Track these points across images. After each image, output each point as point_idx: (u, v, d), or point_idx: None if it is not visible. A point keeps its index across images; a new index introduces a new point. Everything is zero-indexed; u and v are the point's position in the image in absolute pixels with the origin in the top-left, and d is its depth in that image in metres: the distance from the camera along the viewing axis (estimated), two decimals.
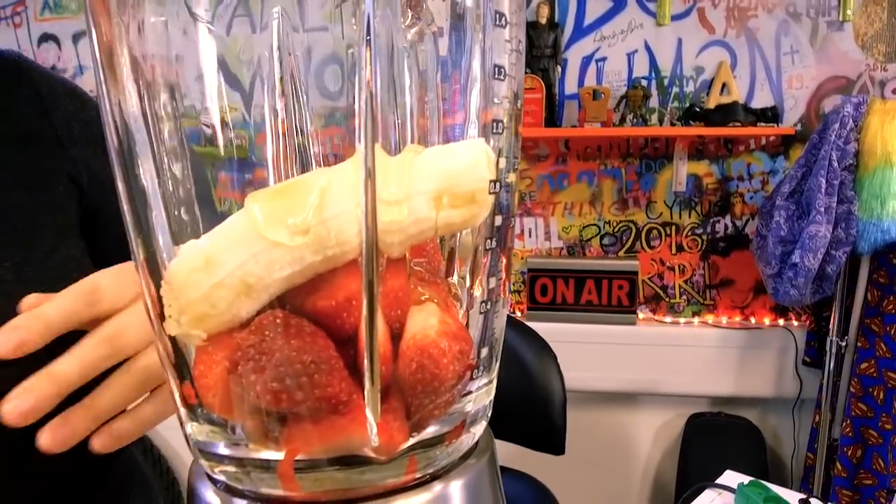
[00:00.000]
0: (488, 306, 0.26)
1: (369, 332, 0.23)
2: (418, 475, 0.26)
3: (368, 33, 0.22)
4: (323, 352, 0.24)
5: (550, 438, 1.46)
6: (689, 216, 1.95)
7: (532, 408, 1.47)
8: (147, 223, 0.25)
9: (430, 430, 0.26)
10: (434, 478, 0.26)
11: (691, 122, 1.79)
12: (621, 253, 2.01)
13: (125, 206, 0.25)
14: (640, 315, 2.00)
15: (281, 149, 0.30)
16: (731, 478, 0.99)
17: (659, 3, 1.83)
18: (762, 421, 1.93)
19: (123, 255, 0.29)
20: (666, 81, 1.88)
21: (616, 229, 1.99)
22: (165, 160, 0.26)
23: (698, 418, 1.95)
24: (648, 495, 2.08)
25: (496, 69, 0.23)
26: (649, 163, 1.94)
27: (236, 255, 0.24)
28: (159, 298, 0.25)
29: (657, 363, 1.92)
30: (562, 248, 2.02)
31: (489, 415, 0.29)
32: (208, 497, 0.26)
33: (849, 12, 1.78)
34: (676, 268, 1.99)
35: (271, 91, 0.29)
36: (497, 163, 0.25)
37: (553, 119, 1.85)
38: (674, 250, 1.98)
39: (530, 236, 2.02)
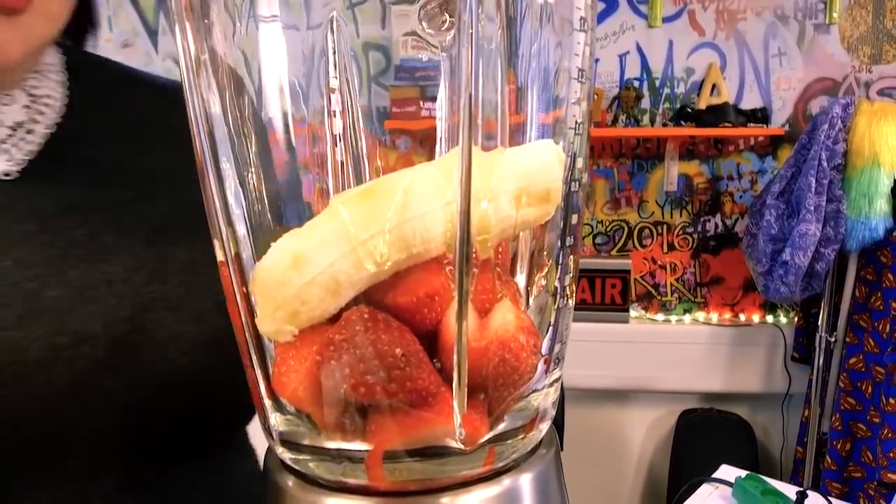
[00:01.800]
0: (563, 303, 0.27)
1: (459, 327, 0.24)
2: (495, 466, 0.27)
3: (464, 38, 0.22)
4: (412, 345, 0.24)
5: None
6: (681, 215, 1.98)
7: None
8: (231, 223, 0.26)
9: (506, 424, 0.27)
10: (507, 470, 0.27)
11: (682, 122, 1.82)
12: (614, 252, 2.03)
13: (214, 205, 0.26)
14: (633, 313, 2.03)
15: (344, 151, 0.31)
16: (727, 472, 1.01)
17: (650, 6, 1.86)
18: (752, 416, 1.97)
19: None
20: (657, 82, 1.90)
21: (609, 228, 2.01)
22: (247, 160, 0.27)
23: (690, 414, 1.98)
24: (641, 490, 2.11)
25: (579, 72, 0.24)
26: (641, 163, 1.97)
27: (327, 255, 0.24)
28: (248, 296, 0.26)
29: (649, 360, 1.95)
30: None
31: (555, 412, 0.30)
32: (290, 487, 0.27)
33: (835, 15, 1.82)
34: (668, 266, 2.02)
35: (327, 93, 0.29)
36: (574, 162, 0.26)
37: None
38: (665, 249, 2.01)
39: None
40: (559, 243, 0.27)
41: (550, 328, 0.28)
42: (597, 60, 1.91)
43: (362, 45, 0.31)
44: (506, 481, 0.27)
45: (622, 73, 1.91)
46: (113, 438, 0.40)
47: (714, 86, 1.85)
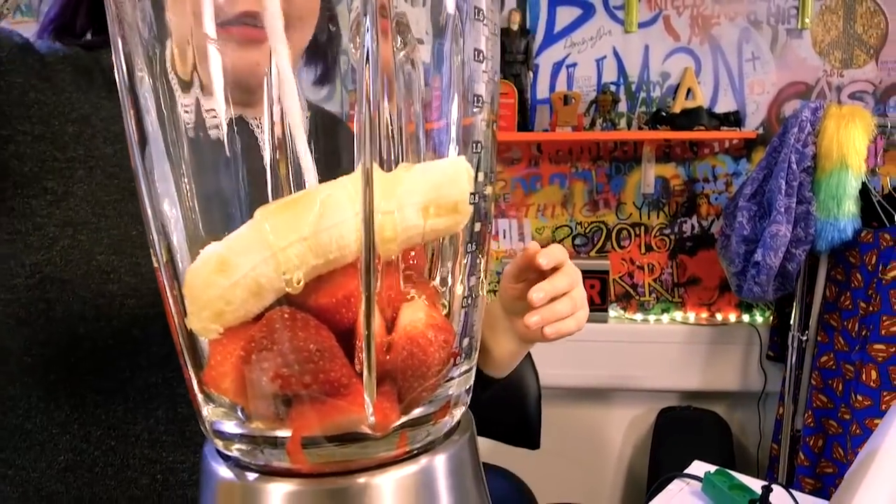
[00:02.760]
0: (469, 302, 0.30)
1: (367, 324, 0.27)
2: (408, 449, 0.30)
3: (368, 56, 0.25)
4: (326, 342, 0.27)
5: (526, 433, 1.50)
6: (658, 217, 2.01)
7: (508, 404, 1.52)
8: (167, 229, 0.29)
9: (419, 411, 0.30)
10: (421, 452, 0.30)
11: (658, 126, 1.85)
12: (593, 253, 2.07)
13: (150, 212, 0.28)
14: (612, 313, 2.06)
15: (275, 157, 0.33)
16: (698, 468, 1.04)
17: (626, 11, 1.90)
18: (729, 414, 2.01)
19: None
20: (634, 87, 1.94)
21: (587, 230, 2.05)
22: (183, 169, 0.29)
23: (668, 412, 2.01)
24: (622, 487, 2.14)
25: (475, 98, 0.27)
26: (619, 165, 2.00)
27: (249, 260, 0.27)
28: (181, 297, 0.28)
29: (628, 359, 1.98)
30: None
31: (469, 398, 0.33)
32: (221, 472, 0.29)
33: (807, 20, 1.87)
34: (646, 267, 2.05)
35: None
36: (476, 177, 0.29)
37: (526, 123, 1.90)
38: (643, 250, 2.04)
39: (504, 237, 2.07)
40: (464, 248, 0.30)
41: (460, 325, 0.30)
42: (574, 65, 1.95)
43: None
44: (421, 462, 0.30)
45: (599, 78, 1.94)
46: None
47: (689, 90, 1.89)
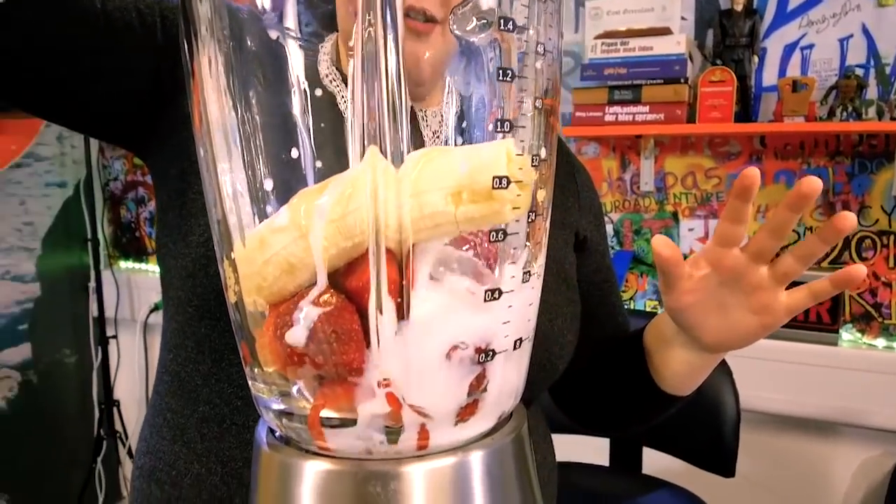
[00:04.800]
0: (495, 296, 0.28)
1: (375, 312, 0.26)
2: (430, 443, 0.28)
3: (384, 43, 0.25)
4: (346, 325, 0.27)
5: (720, 458, 1.37)
6: None
7: (700, 423, 1.39)
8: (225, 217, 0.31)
9: (441, 407, 0.28)
10: (448, 450, 0.29)
11: None
12: (825, 264, 1.79)
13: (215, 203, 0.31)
14: (845, 336, 1.77)
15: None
16: None
17: None
18: None
19: None
20: (889, 69, 1.63)
21: None
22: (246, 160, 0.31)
23: None
24: None
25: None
26: (864, 162, 1.70)
27: (281, 239, 0.28)
28: (234, 271, 0.30)
29: (863, 391, 1.68)
30: None
31: (517, 398, 0.31)
32: (265, 446, 0.31)
33: None
34: (893, 284, 1.72)
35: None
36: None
37: (747, 113, 1.71)
38: (891, 263, 1.72)
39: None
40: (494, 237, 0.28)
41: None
42: (810, 46, 1.69)
43: None
44: (454, 457, 0.29)
45: (843, 60, 1.66)
46: None
47: None
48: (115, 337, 2.50)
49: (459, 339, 0.27)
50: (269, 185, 0.32)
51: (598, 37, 1.78)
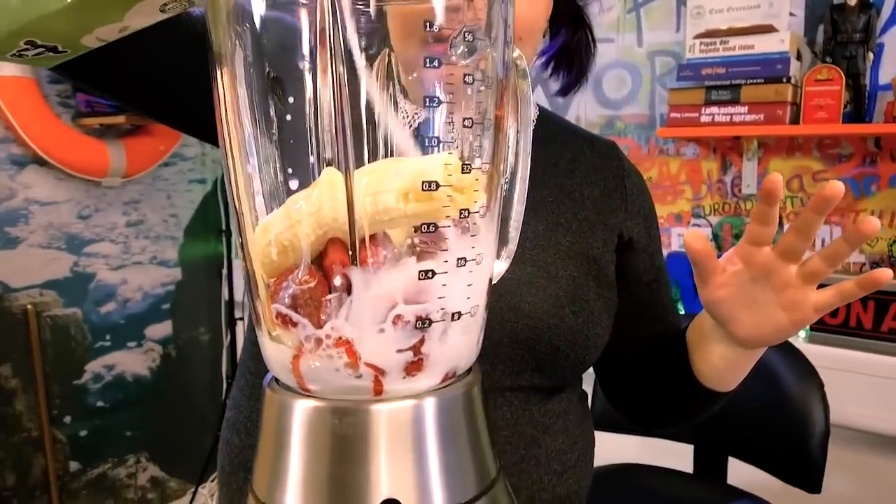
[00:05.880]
0: (429, 276, 0.35)
1: (341, 283, 0.34)
2: (386, 389, 0.36)
3: (349, 59, 0.32)
4: (315, 293, 0.35)
5: (806, 473, 1.32)
6: None
7: (787, 435, 1.35)
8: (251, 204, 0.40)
9: (395, 362, 0.36)
10: (405, 397, 0.36)
11: None
12: None
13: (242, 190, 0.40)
14: None
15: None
16: None
17: None
18: None
19: None
20: None
21: None
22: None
23: None
24: None
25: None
26: None
27: (278, 226, 0.37)
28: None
29: None
30: (863, 264, 1.74)
31: (470, 360, 0.37)
32: (268, 390, 0.40)
33: None
34: None
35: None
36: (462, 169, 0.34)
37: (860, 113, 1.61)
38: None
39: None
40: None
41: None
42: None
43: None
44: (411, 402, 0.36)
45: None
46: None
47: None
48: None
49: (402, 310, 0.34)
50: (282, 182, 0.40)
51: (698, 36, 1.75)
